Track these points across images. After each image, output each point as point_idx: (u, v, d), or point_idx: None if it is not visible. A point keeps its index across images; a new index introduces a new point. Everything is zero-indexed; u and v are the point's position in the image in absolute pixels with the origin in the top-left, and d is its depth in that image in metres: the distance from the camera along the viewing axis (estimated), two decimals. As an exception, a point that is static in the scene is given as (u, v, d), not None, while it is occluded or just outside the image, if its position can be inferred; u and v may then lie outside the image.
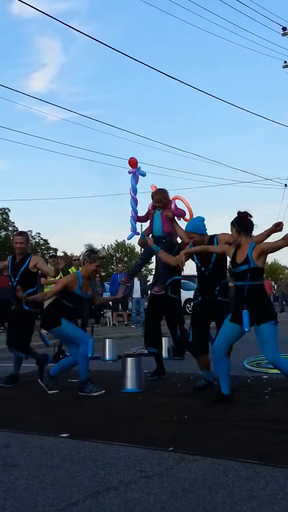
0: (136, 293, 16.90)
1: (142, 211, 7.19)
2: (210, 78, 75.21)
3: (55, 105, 40.85)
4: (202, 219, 5.90)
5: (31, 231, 57.66)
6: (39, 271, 6.92)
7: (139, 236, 7.12)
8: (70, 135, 62.17)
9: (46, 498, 3.00)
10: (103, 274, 28.22)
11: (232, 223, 5.28)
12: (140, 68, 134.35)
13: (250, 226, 5.26)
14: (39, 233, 57.97)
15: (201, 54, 79.74)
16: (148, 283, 23.88)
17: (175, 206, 6.85)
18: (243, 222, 5.24)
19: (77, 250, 64.35)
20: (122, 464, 3.56)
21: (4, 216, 55.96)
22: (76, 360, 5.97)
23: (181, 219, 6.90)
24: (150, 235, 6.78)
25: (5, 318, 15.79)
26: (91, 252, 6.09)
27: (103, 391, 5.83)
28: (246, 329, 5.09)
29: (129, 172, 7.34)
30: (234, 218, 5.27)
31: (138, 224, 7.35)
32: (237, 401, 5.32)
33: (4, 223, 56.27)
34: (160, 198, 6.81)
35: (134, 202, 7.19)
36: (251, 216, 5.28)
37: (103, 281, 19.04)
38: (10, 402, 5.69)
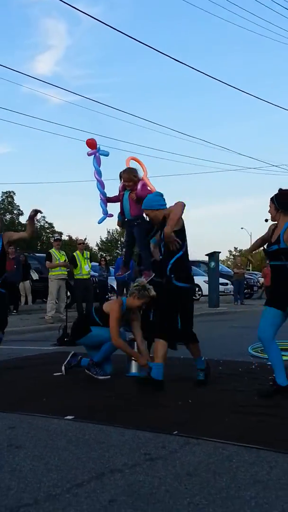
0: (141, 277, 16.90)
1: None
2: (219, 63, 74.70)
3: (60, 88, 40.74)
4: (156, 194, 5.64)
5: (36, 215, 57.72)
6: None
7: (117, 219, 6.81)
8: (75, 118, 61.95)
9: (51, 479, 3.02)
10: (108, 258, 28.25)
11: (271, 199, 5.10)
12: (146, 51, 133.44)
13: None
14: (44, 217, 58.03)
15: (210, 38, 79.06)
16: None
17: (142, 186, 6.37)
18: (282, 199, 5.04)
19: (81, 234, 64.18)
20: (127, 446, 3.58)
21: (9, 199, 56.00)
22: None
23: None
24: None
25: (13, 301, 15.99)
26: (142, 288, 5.78)
27: (109, 376, 5.85)
28: None
29: (88, 154, 6.81)
30: (275, 195, 5.09)
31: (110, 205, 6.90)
32: (242, 387, 5.33)
33: (9, 206, 56.32)
34: (129, 176, 6.36)
35: (101, 185, 6.80)
36: None
37: (108, 265, 19.06)
38: (14, 384, 5.71)
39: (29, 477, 3.05)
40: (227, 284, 25.04)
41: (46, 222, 58.11)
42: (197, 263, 27.87)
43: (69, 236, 53.81)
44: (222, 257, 48.23)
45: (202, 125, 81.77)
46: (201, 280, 24.04)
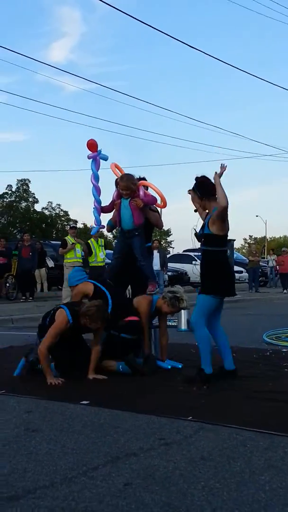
0: (156, 265, 16.90)
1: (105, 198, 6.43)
2: (232, 47, 73.95)
3: (76, 75, 40.58)
4: (75, 270, 6.03)
5: (51, 203, 57.92)
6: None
7: (107, 224, 6.51)
8: (91, 106, 61.80)
9: (67, 462, 3.06)
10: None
11: (193, 189, 5.20)
12: (160, 37, 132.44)
13: (211, 189, 5.10)
14: (59, 205, 58.16)
15: (224, 22, 78.24)
16: (168, 256, 23.99)
17: (144, 192, 6.00)
18: (202, 187, 5.13)
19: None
20: (142, 431, 3.61)
21: (24, 187, 56.13)
22: None
23: (154, 206, 6.28)
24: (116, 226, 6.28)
25: (29, 288, 16.09)
26: (174, 298, 5.69)
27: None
28: None
29: (89, 157, 6.35)
30: (194, 184, 5.18)
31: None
32: (256, 374, 5.35)
33: (24, 194, 56.46)
34: (127, 184, 5.88)
35: (97, 191, 6.32)
36: (209, 179, 5.13)
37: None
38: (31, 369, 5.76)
39: (45, 460, 3.10)
40: (242, 272, 24.97)
41: (61, 210, 58.22)
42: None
43: (84, 224, 53.87)
44: (237, 245, 48.02)
45: (214, 111, 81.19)
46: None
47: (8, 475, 2.88)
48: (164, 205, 6.30)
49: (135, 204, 5.92)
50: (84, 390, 4.76)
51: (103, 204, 6.35)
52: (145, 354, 5.62)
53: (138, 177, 6.39)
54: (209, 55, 19.45)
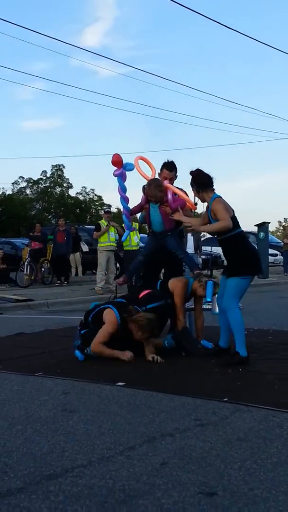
0: (190, 248, 16.83)
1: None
2: (268, 28, 72.56)
3: (110, 59, 40.34)
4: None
5: (85, 188, 58.15)
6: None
7: (139, 219, 6.72)
8: (126, 90, 61.41)
9: (104, 442, 3.10)
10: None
11: (191, 184, 5.30)
12: (195, 19, 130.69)
13: (206, 181, 5.22)
14: (93, 190, 58.35)
15: (261, 2, 76.75)
16: (202, 239, 23.88)
17: (172, 196, 6.01)
18: (197, 180, 5.23)
19: (130, 205, 64.18)
20: (177, 412, 3.63)
21: (59, 172, 56.47)
22: None
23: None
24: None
25: (64, 272, 16.29)
26: (199, 276, 5.89)
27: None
28: (207, 299, 5.61)
29: (115, 175, 6.37)
30: (191, 180, 5.27)
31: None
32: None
33: (59, 180, 56.81)
34: (155, 193, 5.96)
35: (125, 200, 6.49)
36: (202, 171, 5.24)
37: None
38: (67, 352, 5.84)
39: (83, 440, 3.15)
40: (276, 255, 24.70)
41: (95, 195, 58.42)
42: (246, 234, 27.50)
43: (117, 208, 53.97)
44: (271, 228, 47.29)
45: (250, 93, 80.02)
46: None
47: (47, 454, 2.94)
48: (194, 208, 6.38)
49: (165, 211, 6.05)
50: (119, 372, 4.80)
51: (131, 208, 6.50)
52: (181, 330, 5.67)
53: (166, 160, 6.38)
54: (245, 35, 19.16)
